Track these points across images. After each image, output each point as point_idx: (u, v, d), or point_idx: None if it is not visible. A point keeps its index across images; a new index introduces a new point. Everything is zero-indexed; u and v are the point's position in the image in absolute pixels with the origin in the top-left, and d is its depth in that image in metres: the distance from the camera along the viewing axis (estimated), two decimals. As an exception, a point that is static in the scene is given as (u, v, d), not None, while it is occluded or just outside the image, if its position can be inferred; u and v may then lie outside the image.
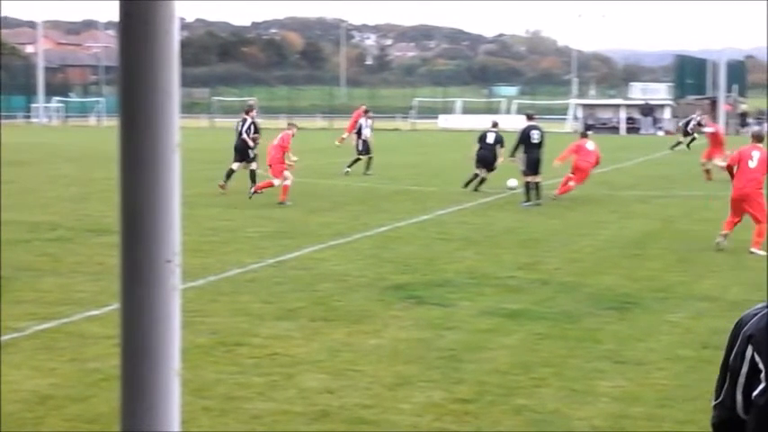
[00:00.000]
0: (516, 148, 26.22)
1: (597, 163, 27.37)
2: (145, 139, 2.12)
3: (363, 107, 38.29)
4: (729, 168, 18.23)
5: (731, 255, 17.02)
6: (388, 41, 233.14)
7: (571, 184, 26.62)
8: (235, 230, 19.77)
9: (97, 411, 8.25)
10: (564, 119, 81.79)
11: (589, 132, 31.96)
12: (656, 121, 79.26)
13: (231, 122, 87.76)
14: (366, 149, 34.86)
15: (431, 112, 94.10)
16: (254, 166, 27.81)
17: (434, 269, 15.47)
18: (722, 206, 24.80)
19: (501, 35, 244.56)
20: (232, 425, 8.02)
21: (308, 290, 13.60)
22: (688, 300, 13.12)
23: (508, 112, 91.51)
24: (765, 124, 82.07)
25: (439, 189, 29.15)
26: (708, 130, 35.20)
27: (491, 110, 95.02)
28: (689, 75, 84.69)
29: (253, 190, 25.74)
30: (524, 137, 25.87)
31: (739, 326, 3.18)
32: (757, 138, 18.93)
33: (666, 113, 79.66)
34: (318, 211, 23.22)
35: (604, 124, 78.46)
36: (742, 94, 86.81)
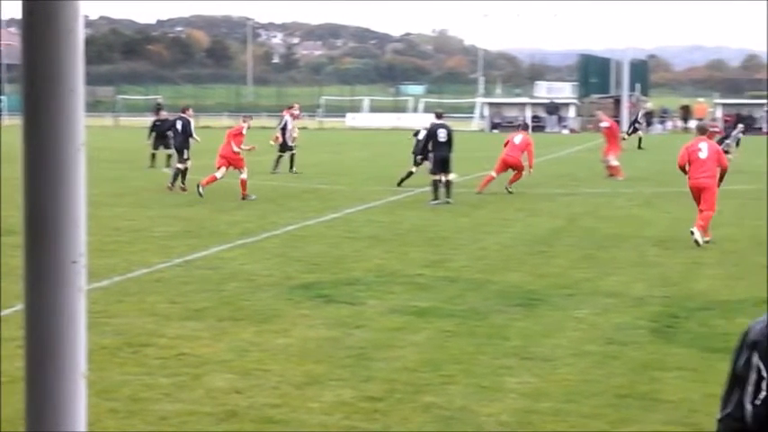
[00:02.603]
0: (425, 147, 26.48)
1: (521, 154, 28.15)
2: (49, 139, 2.09)
3: (291, 105, 38.75)
4: (682, 168, 18.90)
5: (634, 251, 17.30)
6: (295, 40, 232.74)
7: (496, 178, 27.77)
8: (141, 230, 19.56)
9: (1, 414, 8.09)
10: (471, 117, 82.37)
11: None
12: (561, 119, 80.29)
13: (136, 121, 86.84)
14: (287, 147, 35.09)
15: (338, 110, 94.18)
16: (187, 165, 28.34)
17: (343, 268, 15.47)
18: (626, 203, 25.27)
19: (408, 34, 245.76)
20: (139, 426, 7.93)
21: (215, 289, 13.51)
22: (593, 296, 13.29)
23: (415, 110, 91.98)
24: (669, 122, 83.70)
25: (347, 188, 29.18)
26: (604, 124, 35.58)
27: (398, 108, 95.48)
28: (593, 74, 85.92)
29: (242, 196, 25.57)
30: (431, 135, 26.02)
31: (746, 335, 3.17)
32: (702, 130, 19.65)
33: (571, 112, 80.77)
34: (226, 210, 23.08)
35: (510, 123, 79.11)
36: (645, 93, 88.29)
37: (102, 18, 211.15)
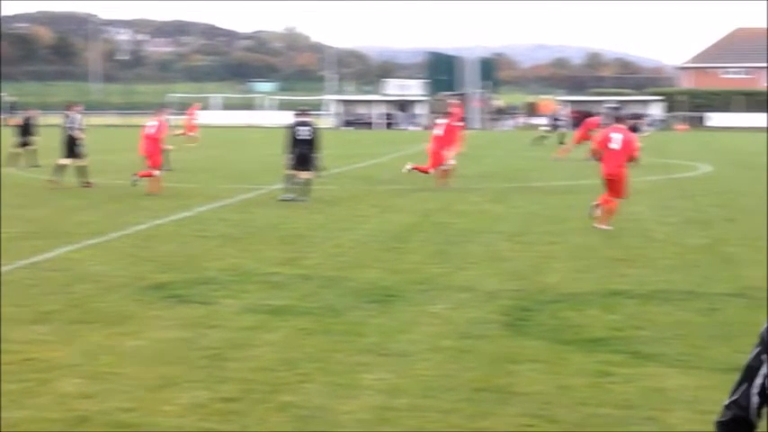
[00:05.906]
0: (290, 145, 25.98)
1: (448, 143, 29.09)
2: None
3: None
4: (596, 152, 19.99)
5: (487, 246, 17.50)
6: (143, 36, 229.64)
7: (451, 162, 28.90)
8: (-16, 232, 18.94)
9: None
10: (321, 114, 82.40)
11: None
12: (412, 116, 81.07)
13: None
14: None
15: (188, 107, 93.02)
16: (85, 161, 28.77)
17: (195, 267, 15.24)
18: (477, 199, 25.59)
19: (258, 31, 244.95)
20: (-15, 435, 7.65)
21: (63, 291, 13.15)
22: (447, 291, 13.38)
23: (266, 107, 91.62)
24: (519, 119, 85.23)
25: (199, 186, 28.84)
26: (456, 124, 35.80)
27: (249, 106, 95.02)
28: (441, 71, 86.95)
29: (137, 176, 26.80)
30: (290, 133, 25.78)
31: (764, 331, 3.26)
32: (618, 119, 20.36)
33: (421, 109, 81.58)
34: (74, 210, 22.54)
35: (361, 120, 79.65)
36: (493, 90, 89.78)
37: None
